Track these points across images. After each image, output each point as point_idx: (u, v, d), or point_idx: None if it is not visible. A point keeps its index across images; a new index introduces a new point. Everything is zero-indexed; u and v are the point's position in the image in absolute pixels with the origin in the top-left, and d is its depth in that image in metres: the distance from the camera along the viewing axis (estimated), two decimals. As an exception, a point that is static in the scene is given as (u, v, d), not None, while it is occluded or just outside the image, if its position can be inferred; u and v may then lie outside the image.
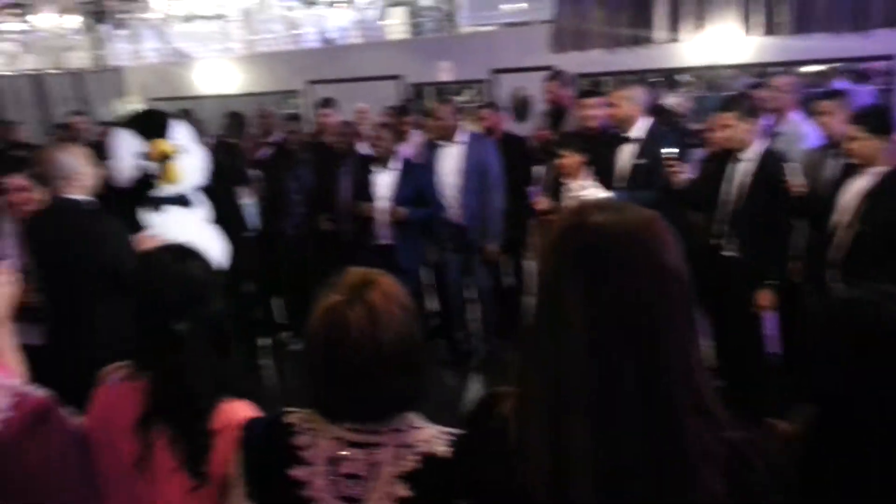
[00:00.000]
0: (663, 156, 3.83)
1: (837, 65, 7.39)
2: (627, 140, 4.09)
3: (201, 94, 11.31)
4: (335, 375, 1.23)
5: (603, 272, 0.94)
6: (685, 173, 3.88)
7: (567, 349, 0.94)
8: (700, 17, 7.17)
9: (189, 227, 3.36)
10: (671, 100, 7.45)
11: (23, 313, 2.83)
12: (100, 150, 5.97)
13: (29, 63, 13.16)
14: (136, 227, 3.21)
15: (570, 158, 4.13)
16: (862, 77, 7.40)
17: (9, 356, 1.93)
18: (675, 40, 7.38)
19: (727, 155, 3.75)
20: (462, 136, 4.72)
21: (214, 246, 3.53)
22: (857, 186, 3.33)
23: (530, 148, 5.34)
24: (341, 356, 1.21)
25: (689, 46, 7.39)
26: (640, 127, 4.07)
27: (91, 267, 2.70)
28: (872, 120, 3.25)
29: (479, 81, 8.92)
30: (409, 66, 9.37)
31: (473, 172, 4.66)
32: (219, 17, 12.31)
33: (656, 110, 4.58)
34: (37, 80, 10.73)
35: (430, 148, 4.89)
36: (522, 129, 6.21)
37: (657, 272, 0.95)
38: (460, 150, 4.71)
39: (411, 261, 4.70)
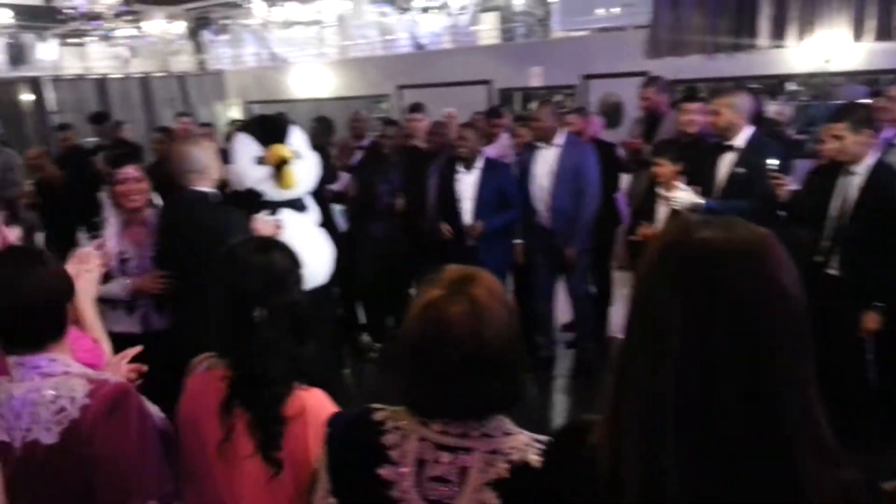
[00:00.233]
0: (767, 167, 3.63)
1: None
2: (727, 149, 3.90)
3: (295, 98, 11.65)
4: (432, 372, 1.19)
5: (709, 293, 0.85)
6: (789, 185, 3.68)
7: (663, 376, 0.86)
8: (807, 22, 6.83)
9: (302, 230, 3.42)
10: (772, 108, 7.14)
11: (147, 300, 3.00)
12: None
13: (137, 66, 13.92)
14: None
15: (666, 167, 3.98)
16: None
17: (97, 336, 2.00)
18: (779, 46, 7.06)
19: (837, 168, 3.52)
20: (560, 139, 4.63)
21: (325, 249, 3.60)
22: None
23: (619, 155, 5.21)
24: (441, 352, 1.17)
25: (795, 52, 7.06)
26: (742, 136, 3.88)
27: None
28: None
29: (569, 87, 8.81)
30: (498, 71, 9.36)
31: (566, 176, 4.55)
32: (315, 22, 12.66)
33: (757, 118, 4.36)
34: (144, 83, 11.32)
35: (528, 149, 4.79)
36: (613, 135, 6.07)
37: (771, 294, 0.85)
38: (556, 153, 4.61)
39: (495, 263, 4.64)
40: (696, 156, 4.07)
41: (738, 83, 7.22)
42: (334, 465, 1.32)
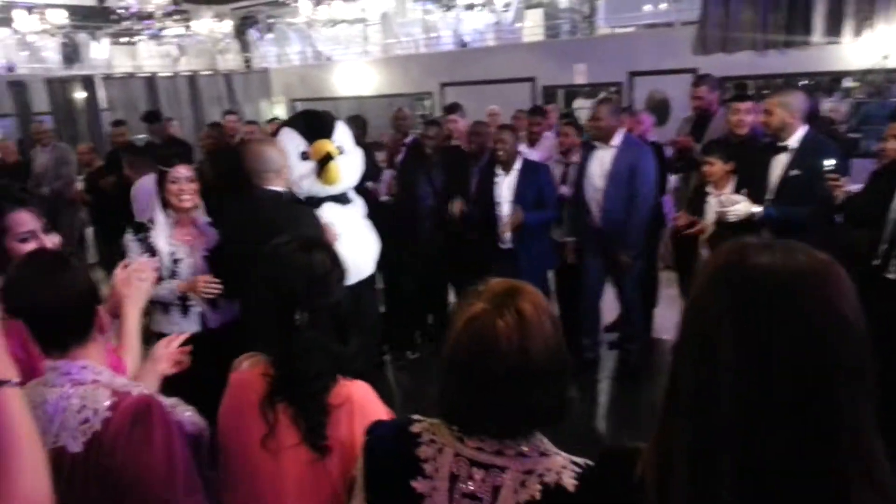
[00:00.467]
0: (824, 168, 3.50)
1: None
2: (781, 149, 3.77)
3: (339, 96, 11.74)
4: (476, 385, 1.18)
5: (766, 323, 0.82)
6: (845, 187, 3.55)
7: (716, 406, 0.83)
8: (865, 17, 6.60)
9: (347, 224, 3.44)
10: (825, 105, 6.94)
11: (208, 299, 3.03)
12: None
13: (185, 65, 14.20)
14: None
15: (716, 167, 3.89)
16: None
17: (130, 343, 2.01)
18: (834, 42, 6.85)
19: (900, 168, 3.39)
20: (617, 139, 4.47)
21: (370, 242, 3.60)
22: None
23: (667, 155, 5.11)
24: (486, 366, 1.16)
25: (851, 48, 6.83)
26: (796, 136, 3.75)
27: None
28: None
29: (614, 84, 8.69)
30: (542, 69, 9.29)
31: (621, 178, 4.40)
32: (360, 21, 12.73)
33: (810, 117, 4.23)
34: (192, 81, 11.52)
35: (586, 148, 4.65)
36: (659, 133, 5.96)
37: (832, 326, 0.81)
38: (612, 154, 4.46)
39: (534, 265, 4.59)
40: (748, 156, 3.96)
41: (791, 80, 7.05)
42: (371, 474, 1.33)
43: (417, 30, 11.76)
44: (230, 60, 13.91)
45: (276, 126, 7.69)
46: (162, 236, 3.00)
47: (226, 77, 12.04)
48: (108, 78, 10.98)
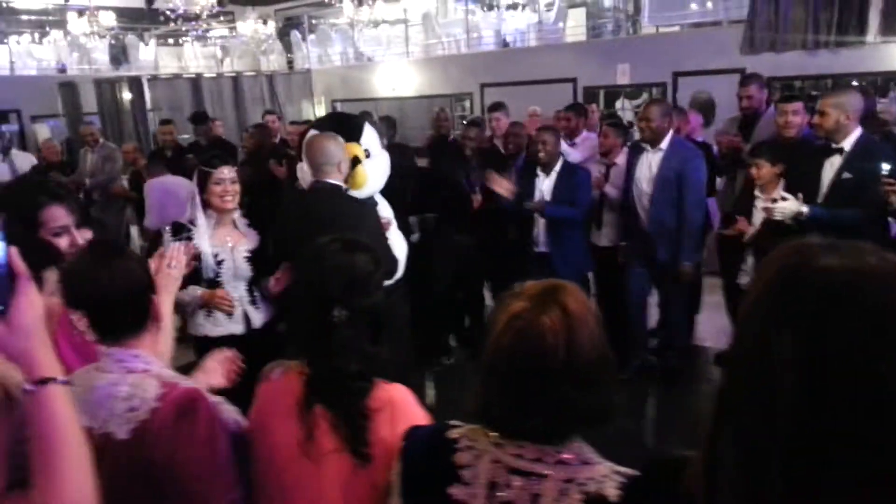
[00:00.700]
0: (882, 173, 3.34)
1: None
2: (833, 151, 3.63)
3: (379, 96, 11.78)
4: (520, 386, 1.14)
5: (832, 329, 0.75)
6: (902, 191, 3.41)
7: (772, 418, 0.77)
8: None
9: None
10: (878, 106, 6.69)
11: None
12: (287, 147, 6.40)
13: (229, 66, 14.42)
14: None
15: (764, 168, 3.77)
16: None
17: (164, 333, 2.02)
18: (890, 41, 6.61)
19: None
20: (665, 142, 4.33)
21: (398, 247, 3.58)
22: None
23: (713, 156, 4.98)
24: (531, 365, 1.12)
25: (909, 47, 6.58)
26: (850, 138, 3.60)
27: None
28: None
29: (658, 84, 8.54)
30: (584, 69, 9.17)
31: (669, 183, 4.27)
32: (401, 21, 12.76)
33: (864, 118, 4.06)
34: (235, 82, 11.67)
35: (635, 150, 4.53)
36: (704, 134, 5.83)
37: None
38: (660, 157, 4.33)
39: (570, 270, 4.51)
40: (798, 158, 3.83)
41: (841, 80, 6.83)
42: (407, 479, 1.31)
43: (459, 30, 11.73)
44: (273, 61, 14.08)
45: (303, 129, 7.75)
46: (204, 238, 3.01)
47: (268, 78, 12.17)
48: (154, 79, 11.18)
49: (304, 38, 14.05)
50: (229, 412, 1.65)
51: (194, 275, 2.87)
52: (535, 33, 11.03)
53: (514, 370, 1.14)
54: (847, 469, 0.75)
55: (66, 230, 2.04)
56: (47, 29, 14.58)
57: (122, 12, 13.55)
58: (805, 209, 3.54)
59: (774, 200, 3.59)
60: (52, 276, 1.60)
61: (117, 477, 1.42)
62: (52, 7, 13.23)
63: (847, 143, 3.59)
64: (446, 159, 5.21)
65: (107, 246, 1.72)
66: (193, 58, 15.15)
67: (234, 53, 14.84)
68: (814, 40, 7.05)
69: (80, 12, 12.62)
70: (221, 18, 14.04)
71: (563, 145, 5.00)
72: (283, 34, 14.76)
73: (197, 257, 2.89)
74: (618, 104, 9.22)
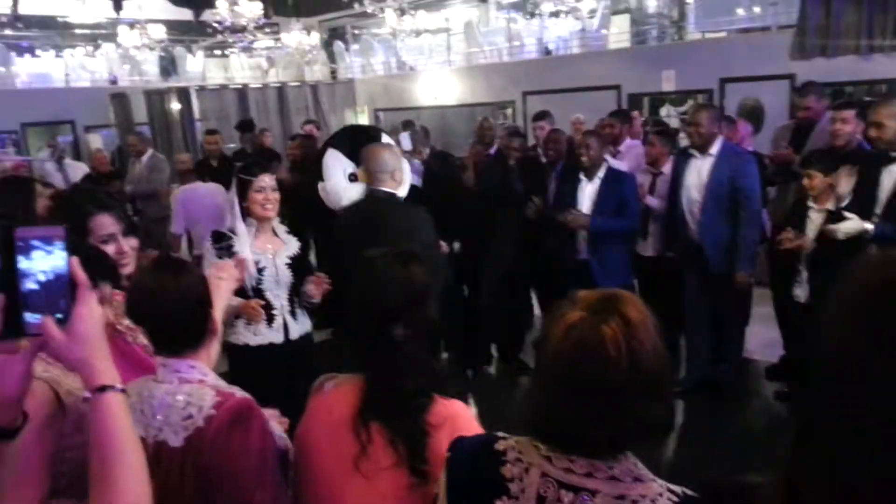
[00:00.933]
0: None
1: None
2: (892, 160, 3.49)
3: (421, 105, 11.83)
4: (581, 398, 1.10)
5: None
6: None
7: (860, 441, 0.73)
8: None
9: None
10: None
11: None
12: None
13: (274, 76, 14.66)
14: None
15: (817, 179, 3.66)
16: None
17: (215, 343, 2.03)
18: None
19: None
20: (715, 148, 4.20)
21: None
22: None
23: (763, 165, 4.84)
24: (593, 375, 1.08)
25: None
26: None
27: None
28: None
29: (705, 91, 8.39)
30: (628, 76, 9.07)
31: (719, 190, 4.14)
32: (443, 30, 12.82)
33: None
34: (280, 92, 11.85)
35: (683, 157, 4.41)
36: (754, 142, 5.69)
37: None
38: (710, 164, 4.21)
39: (610, 279, 4.42)
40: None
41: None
42: (453, 491, 1.28)
43: (501, 38, 11.73)
44: (317, 71, 14.26)
45: (308, 130, 7.80)
46: (246, 246, 3.02)
47: (312, 88, 12.32)
48: (201, 89, 11.42)
49: (347, 49, 14.23)
50: (276, 428, 1.67)
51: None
52: (578, 40, 10.96)
53: (575, 381, 1.11)
54: None
55: (113, 238, 2.09)
56: (100, 42, 15.06)
57: (171, 25, 13.88)
58: (869, 227, 3.40)
59: (829, 212, 3.48)
60: (105, 288, 1.63)
61: (170, 485, 1.45)
62: (104, 21, 13.63)
63: (906, 152, 3.46)
64: (491, 172, 5.19)
65: (170, 261, 1.77)
66: (240, 68, 15.48)
67: (280, 64, 15.09)
68: (867, 45, 6.84)
69: (132, 25, 12.98)
70: (267, 30, 14.27)
71: (608, 157, 4.92)
72: (326, 45, 14.95)
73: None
74: (662, 111, 9.09)
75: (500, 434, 1.28)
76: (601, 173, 4.42)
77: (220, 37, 13.53)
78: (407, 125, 6.75)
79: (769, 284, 4.73)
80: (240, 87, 11.86)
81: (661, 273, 4.64)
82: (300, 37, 13.42)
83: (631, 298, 1.15)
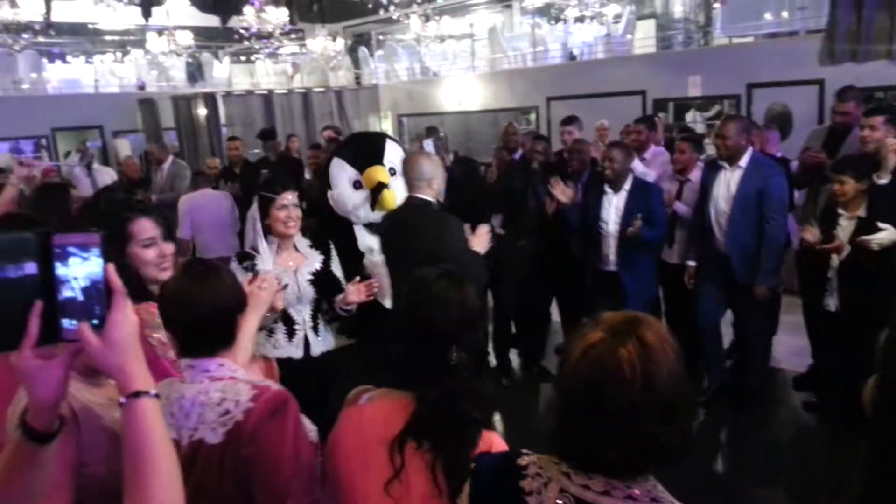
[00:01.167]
0: None
1: None
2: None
3: (444, 111, 11.84)
4: (595, 418, 1.11)
5: None
6: None
7: None
8: None
9: None
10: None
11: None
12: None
13: (299, 82, 14.76)
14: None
15: (848, 185, 3.60)
16: None
17: (244, 345, 2.04)
18: None
19: None
20: (745, 159, 4.15)
21: None
22: None
23: (790, 170, 4.77)
24: (607, 396, 1.09)
25: None
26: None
27: (440, 259, 2.78)
28: None
29: (732, 96, 8.30)
30: (653, 81, 9.00)
31: (749, 201, 4.10)
32: (467, 36, 12.83)
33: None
34: (305, 97, 11.92)
35: (712, 169, 4.36)
36: (782, 148, 5.61)
37: None
38: (739, 175, 4.16)
39: (640, 290, 4.38)
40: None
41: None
42: (474, 502, 1.29)
43: (525, 44, 11.70)
44: (341, 77, 14.34)
45: (328, 136, 7.81)
46: (269, 264, 2.98)
47: (337, 93, 12.38)
48: (228, 95, 11.53)
49: (371, 54, 14.29)
50: (306, 422, 1.69)
51: None
52: (603, 46, 10.90)
53: (589, 402, 1.12)
54: None
55: (155, 241, 2.11)
56: (129, 48, 15.28)
57: (198, 31, 14.05)
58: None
59: (860, 219, 3.41)
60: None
61: (207, 483, 1.48)
62: (133, 28, 13.84)
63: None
64: (513, 175, 5.17)
65: (202, 265, 1.78)
66: (265, 74, 15.60)
67: (305, 70, 15.20)
68: (900, 49, 6.71)
69: (160, 32, 13.16)
70: (292, 36, 14.40)
71: (637, 164, 4.87)
72: (351, 50, 15.04)
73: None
74: (688, 116, 9.01)
75: (525, 451, 1.29)
76: (627, 185, 4.39)
77: (246, 43, 13.66)
78: (430, 132, 6.75)
79: (798, 292, 4.66)
80: (265, 92, 11.96)
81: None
82: (325, 43, 13.51)
83: (651, 322, 1.16)
